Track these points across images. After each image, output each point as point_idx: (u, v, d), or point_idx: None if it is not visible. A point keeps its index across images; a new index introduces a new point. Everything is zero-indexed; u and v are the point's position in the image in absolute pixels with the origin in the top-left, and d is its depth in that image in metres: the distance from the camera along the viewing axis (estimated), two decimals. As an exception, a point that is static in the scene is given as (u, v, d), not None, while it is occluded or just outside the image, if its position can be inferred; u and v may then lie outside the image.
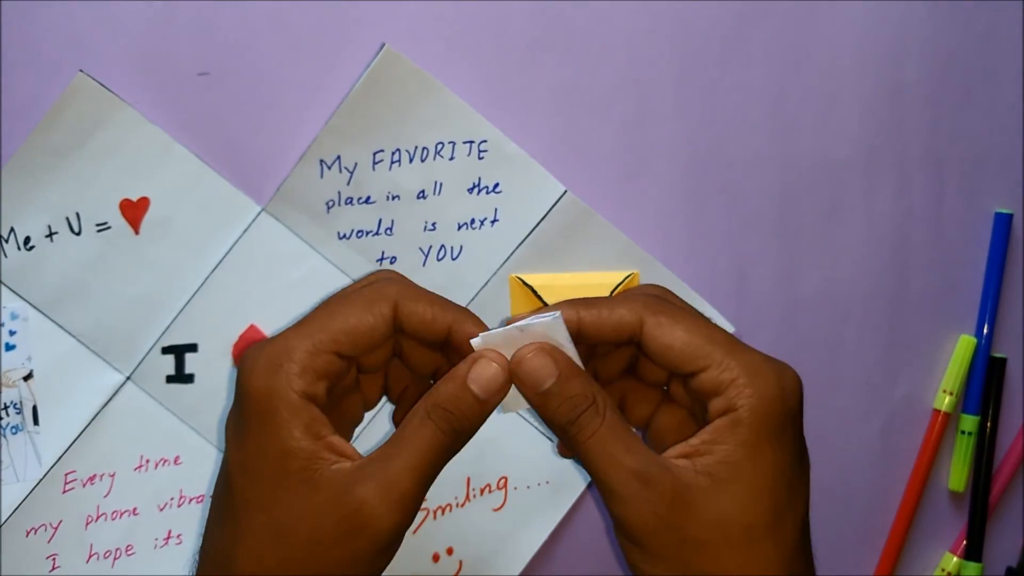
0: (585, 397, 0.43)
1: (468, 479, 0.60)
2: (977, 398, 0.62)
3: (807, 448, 0.45)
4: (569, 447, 0.44)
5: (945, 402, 0.62)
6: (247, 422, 0.43)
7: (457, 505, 0.61)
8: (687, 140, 0.58)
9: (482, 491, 0.61)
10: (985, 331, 0.62)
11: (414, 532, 0.60)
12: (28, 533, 0.58)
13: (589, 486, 0.61)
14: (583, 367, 0.45)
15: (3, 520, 0.57)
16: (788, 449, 0.43)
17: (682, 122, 0.59)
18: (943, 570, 0.63)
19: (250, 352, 0.44)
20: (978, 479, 0.62)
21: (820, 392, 0.61)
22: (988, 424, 0.62)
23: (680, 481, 0.42)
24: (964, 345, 0.62)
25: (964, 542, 0.63)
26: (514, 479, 0.61)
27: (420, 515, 0.60)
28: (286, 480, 0.42)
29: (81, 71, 0.55)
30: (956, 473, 0.63)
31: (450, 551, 0.61)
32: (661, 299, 0.46)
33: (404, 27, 0.57)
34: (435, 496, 0.60)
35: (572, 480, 0.61)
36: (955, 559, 0.63)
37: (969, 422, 0.62)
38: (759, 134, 0.60)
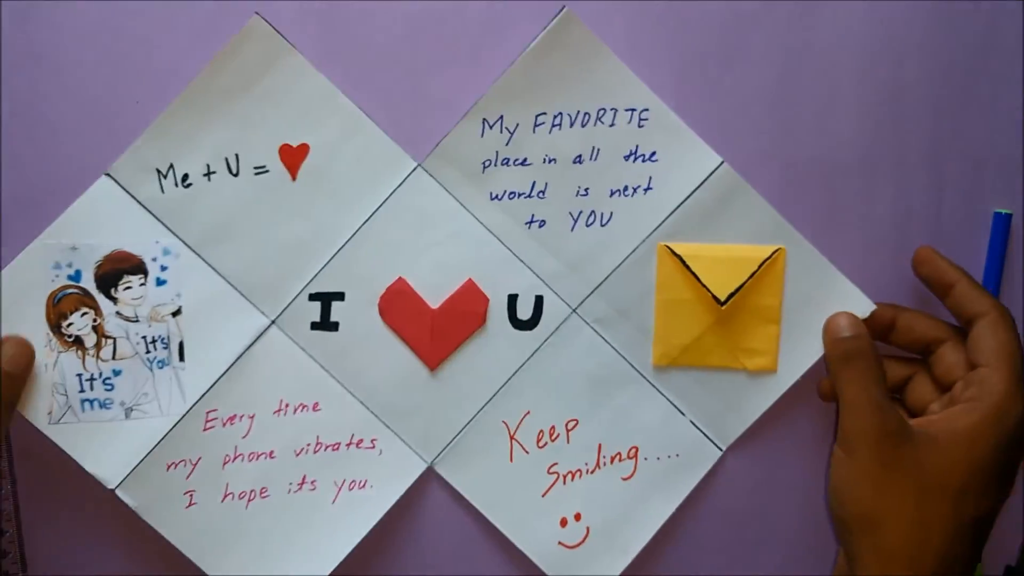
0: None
1: (600, 446, 0.61)
2: (976, 398, 0.62)
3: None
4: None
5: (944, 401, 0.62)
6: None
7: (587, 471, 0.61)
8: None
9: (612, 459, 0.61)
10: (984, 331, 0.62)
11: (543, 495, 0.61)
12: (168, 467, 0.58)
13: (718, 462, 0.61)
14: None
15: (147, 452, 0.58)
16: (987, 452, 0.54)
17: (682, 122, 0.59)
18: (944, 569, 0.63)
19: None
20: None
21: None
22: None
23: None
24: (962, 345, 0.62)
25: (964, 541, 0.63)
26: (644, 450, 0.61)
27: (550, 479, 0.61)
28: None
29: (256, 13, 0.56)
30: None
31: (578, 516, 0.61)
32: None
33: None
34: (566, 461, 0.61)
35: (702, 455, 0.61)
36: (959, 558, 0.63)
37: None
38: (759, 134, 0.60)
